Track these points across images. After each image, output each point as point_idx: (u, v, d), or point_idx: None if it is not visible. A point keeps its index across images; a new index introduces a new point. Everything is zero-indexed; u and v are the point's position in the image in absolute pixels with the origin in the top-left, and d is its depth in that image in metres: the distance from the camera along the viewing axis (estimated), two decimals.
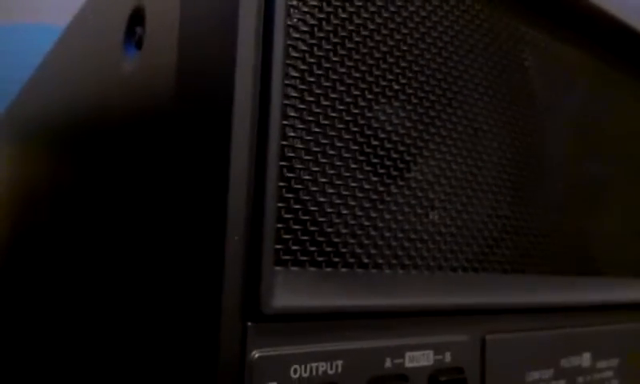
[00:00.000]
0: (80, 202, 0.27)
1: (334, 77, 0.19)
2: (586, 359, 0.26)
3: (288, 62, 0.18)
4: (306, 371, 0.17)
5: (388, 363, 0.19)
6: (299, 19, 0.18)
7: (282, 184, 0.18)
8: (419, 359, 0.19)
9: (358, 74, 0.20)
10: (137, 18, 0.23)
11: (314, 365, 0.17)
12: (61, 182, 0.31)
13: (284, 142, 0.18)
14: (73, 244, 0.28)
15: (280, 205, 0.18)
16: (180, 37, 0.20)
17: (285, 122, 0.18)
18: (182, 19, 0.20)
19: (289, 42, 0.18)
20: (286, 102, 0.18)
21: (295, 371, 0.17)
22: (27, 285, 0.37)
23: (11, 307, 0.41)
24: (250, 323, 0.16)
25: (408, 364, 0.19)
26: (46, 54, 0.42)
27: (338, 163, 0.19)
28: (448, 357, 0.20)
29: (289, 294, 0.17)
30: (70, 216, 0.29)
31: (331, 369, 0.17)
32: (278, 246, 0.17)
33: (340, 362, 0.18)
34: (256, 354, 0.16)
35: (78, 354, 0.25)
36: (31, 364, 0.34)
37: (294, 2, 0.18)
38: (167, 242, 0.18)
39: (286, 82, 0.18)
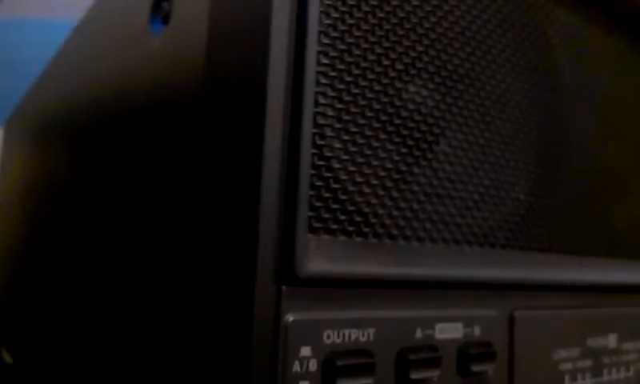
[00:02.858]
0: (107, 181, 0.27)
1: (365, 46, 0.19)
2: (612, 340, 0.25)
3: (320, 29, 0.18)
4: (338, 337, 0.17)
5: (419, 333, 0.19)
6: None
7: (313, 151, 0.18)
8: (449, 331, 0.19)
9: (386, 47, 0.20)
10: None
11: (346, 331, 0.17)
12: (85, 168, 0.31)
13: (316, 109, 0.18)
14: (104, 219, 0.28)
15: (312, 172, 0.17)
16: (210, 9, 0.19)
17: (317, 90, 0.18)
18: None
19: (321, 9, 0.18)
20: (318, 69, 0.18)
21: (328, 336, 0.16)
22: (51, 273, 0.37)
23: (35, 294, 0.41)
24: (284, 287, 0.16)
25: (438, 335, 0.19)
26: (60, 45, 0.42)
27: (368, 133, 0.19)
28: (477, 330, 0.20)
29: (322, 259, 0.17)
30: (99, 196, 0.29)
31: (363, 336, 0.17)
32: (310, 214, 0.17)
33: (372, 330, 0.17)
34: (290, 317, 0.16)
35: (113, 317, 0.25)
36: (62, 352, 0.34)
37: None
38: (203, 212, 0.18)
39: (319, 48, 0.18)
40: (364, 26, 0.19)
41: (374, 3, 0.19)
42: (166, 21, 0.23)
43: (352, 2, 0.19)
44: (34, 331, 0.40)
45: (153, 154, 0.22)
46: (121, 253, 0.24)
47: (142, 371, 0.21)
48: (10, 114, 0.61)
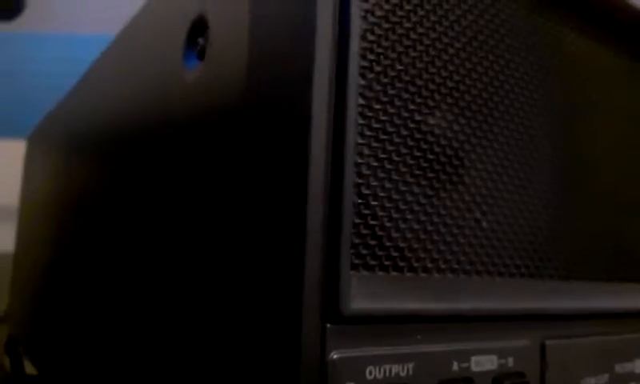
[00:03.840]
0: (144, 199, 0.28)
1: (399, 85, 0.20)
2: (638, 366, 0.26)
3: (360, 69, 0.18)
4: (380, 372, 0.17)
5: (455, 367, 0.19)
6: (373, 25, 0.19)
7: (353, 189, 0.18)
8: (484, 363, 0.20)
9: (419, 84, 0.20)
10: (199, 28, 0.24)
11: (387, 366, 0.17)
12: (119, 184, 0.32)
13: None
14: (138, 237, 0.28)
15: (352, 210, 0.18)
16: (250, 46, 0.20)
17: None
18: (251, 29, 0.20)
19: (363, 45, 0.19)
20: (358, 110, 0.18)
21: (370, 372, 0.17)
22: (79, 285, 0.38)
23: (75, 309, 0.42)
24: (329, 325, 0.16)
25: (474, 368, 0.19)
26: (91, 63, 0.43)
27: (402, 169, 0.20)
28: (511, 361, 0.21)
29: (363, 296, 0.17)
30: (133, 212, 0.29)
31: (403, 371, 0.18)
32: (351, 251, 0.18)
33: (411, 365, 0.18)
34: (335, 354, 0.16)
35: (153, 356, 0.26)
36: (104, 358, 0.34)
37: (369, 7, 0.19)
38: (246, 250, 0.19)
39: (359, 90, 0.18)
40: (399, 66, 0.20)
41: (410, 44, 0.20)
42: (201, 56, 0.24)
43: (389, 43, 0.19)
44: (59, 343, 0.41)
45: (194, 179, 0.23)
46: (156, 274, 0.25)
47: None
48: (35, 128, 0.62)
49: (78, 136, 0.43)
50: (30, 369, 0.58)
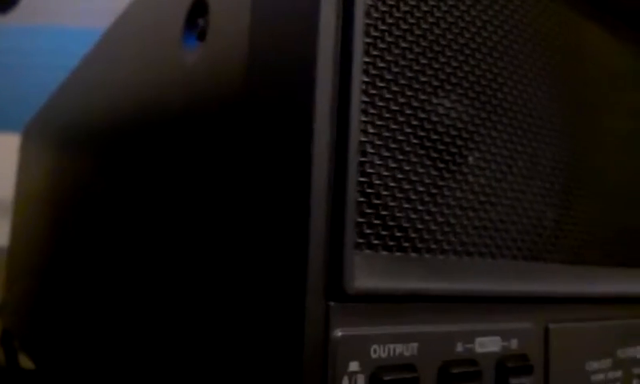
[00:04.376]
0: (141, 187, 0.28)
1: (403, 63, 0.20)
2: None
3: (365, 45, 0.18)
4: (384, 352, 0.17)
5: (459, 348, 0.19)
6: (377, 1, 0.19)
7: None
8: (488, 345, 0.20)
9: (423, 63, 0.20)
10: (198, 9, 0.24)
11: (391, 346, 0.17)
12: (115, 174, 0.31)
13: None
14: (137, 226, 0.28)
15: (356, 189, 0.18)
16: (251, 27, 0.20)
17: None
18: (253, 9, 0.20)
19: (367, 22, 0.18)
20: (362, 87, 0.18)
21: (375, 351, 0.17)
22: (76, 277, 0.37)
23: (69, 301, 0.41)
24: (332, 303, 0.16)
25: (478, 349, 0.19)
26: (85, 53, 0.42)
27: (406, 149, 0.20)
28: (514, 343, 0.20)
29: (367, 275, 0.17)
30: (130, 202, 0.29)
31: (407, 351, 0.17)
32: (355, 230, 0.18)
33: (415, 345, 0.18)
34: (339, 332, 0.16)
35: (153, 342, 0.25)
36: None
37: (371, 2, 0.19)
38: (250, 230, 0.18)
39: (363, 68, 0.18)
40: (403, 44, 0.20)
41: (413, 21, 0.20)
42: (201, 37, 0.23)
43: (393, 20, 0.19)
44: (57, 337, 0.40)
45: (194, 163, 0.22)
46: (157, 261, 0.24)
47: None
48: (29, 121, 0.61)
49: (73, 128, 0.43)
50: (24, 363, 0.58)
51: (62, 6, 0.84)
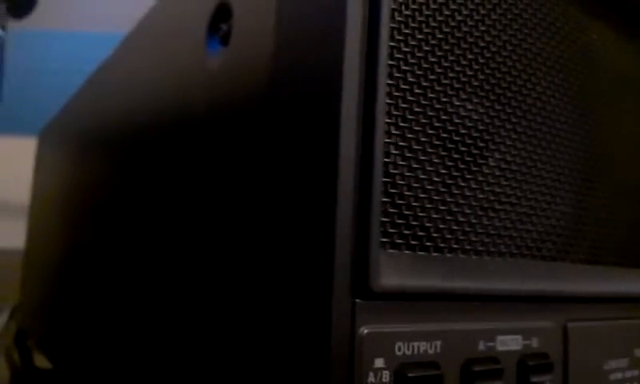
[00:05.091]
0: (165, 191, 0.28)
1: (426, 66, 0.20)
2: None
3: (390, 49, 0.19)
4: (408, 349, 0.17)
5: (481, 346, 0.19)
6: (402, 4, 0.19)
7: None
8: (509, 343, 0.20)
9: (445, 66, 0.21)
10: (222, 14, 0.24)
11: (415, 344, 0.17)
12: (138, 177, 0.32)
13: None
14: (160, 228, 0.28)
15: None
16: (276, 29, 0.20)
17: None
18: (278, 11, 0.20)
19: (392, 26, 0.19)
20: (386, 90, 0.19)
21: (399, 348, 0.17)
22: (95, 278, 0.38)
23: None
24: (358, 301, 0.17)
25: (499, 347, 0.20)
26: (104, 58, 0.43)
27: (429, 150, 0.20)
28: (535, 342, 0.21)
29: (392, 274, 0.18)
30: (153, 204, 0.30)
31: (431, 348, 0.18)
32: (380, 229, 0.18)
33: (439, 343, 0.18)
34: (365, 329, 0.17)
35: (177, 341, 0.26)
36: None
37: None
38: (277, 230, 0.19)
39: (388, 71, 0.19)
40: (426, 47, 0.20)
41: (436, 25, 0.20)
42: (225, 41, 0.24)
43: (416, 23, 0.20)
44: (74, 337, 0.41)
45: (219, 166, 0.23)
46: (180, 262, 0.25)
47: None
48: (45, 125, 0.62)
49: (91, 131, 0.43)
50: (39, 362, 0.58)
51: (78, 11, 0.85)
